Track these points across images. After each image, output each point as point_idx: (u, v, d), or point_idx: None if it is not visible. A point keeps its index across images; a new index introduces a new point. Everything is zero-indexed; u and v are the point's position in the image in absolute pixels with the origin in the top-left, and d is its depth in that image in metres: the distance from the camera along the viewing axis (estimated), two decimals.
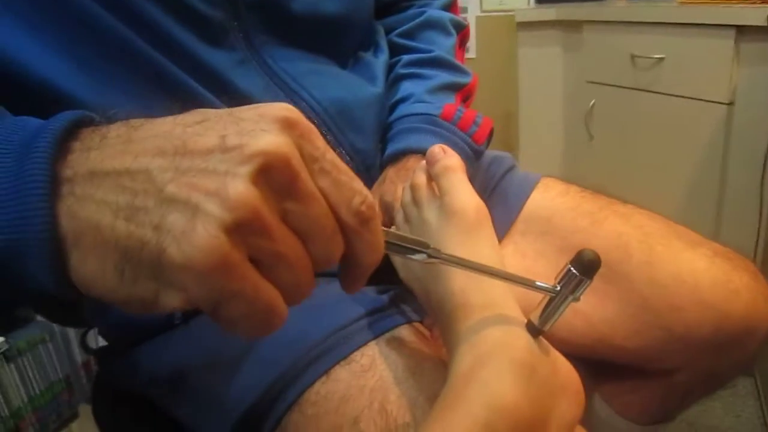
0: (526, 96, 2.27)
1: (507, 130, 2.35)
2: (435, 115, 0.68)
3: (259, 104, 0.31)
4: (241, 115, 0.30)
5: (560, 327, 0.65)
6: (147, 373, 0.59)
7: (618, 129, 1.95)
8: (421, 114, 0.69)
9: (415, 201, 0.56)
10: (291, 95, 0.62)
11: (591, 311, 0.65)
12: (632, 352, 0.65)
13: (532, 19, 2.18)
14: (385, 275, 0.58)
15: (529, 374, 0.42)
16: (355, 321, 0.53)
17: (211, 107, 0.31)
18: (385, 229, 0.36)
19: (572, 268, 0.41)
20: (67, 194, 0.29)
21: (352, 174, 0.32)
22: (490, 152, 0.80)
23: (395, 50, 0.78)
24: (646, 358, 0.66)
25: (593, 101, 2.00)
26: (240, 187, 0.27)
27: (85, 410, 1.46)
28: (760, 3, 1.48)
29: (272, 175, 0.28)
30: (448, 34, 0.79)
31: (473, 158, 0.70)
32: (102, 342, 0.69)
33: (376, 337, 0.52)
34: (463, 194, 0.51)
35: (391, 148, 0.68)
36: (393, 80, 0.75)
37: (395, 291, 0.59)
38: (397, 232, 0.38)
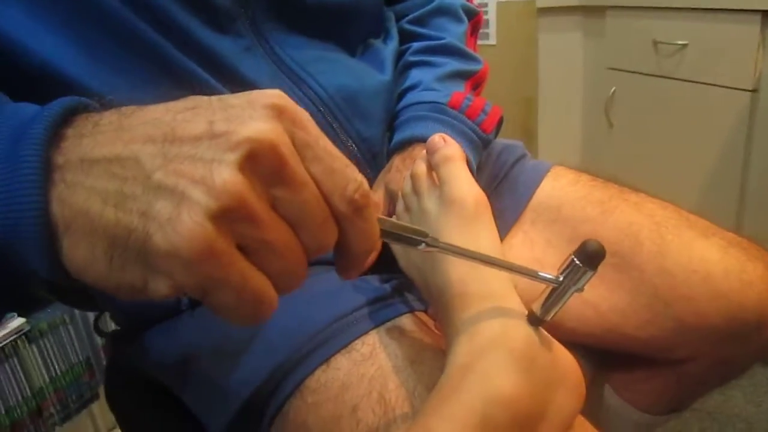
0: (546, 82, 2.24)
1: (526, 116, 2.33)
2: (443, 104, 0.68)
3: (251, 91, 0.31)
4: (231, 101, 0.30)
5: (570, 317, 0.66)
6: (156, 358, 0.60)
7: (638, 117, 1.92)
8: (429, 102, 0.68)
9: (415, 190, 0.56)
10: (298, 83, 0.62)
11: (601, 301, 0.65)
12: (643, 342, 0.65)
13: (553, 4, 2.15)
14: (389, 264, 0.58)
15: (527, 366, 0.42)
16: (357, 309, 0.53)
17: (216, 94, 0.31)
18: (382, 217, 0.36)
19: (576, 259, 0.40)
20: (59, 181, 0.29)
21: (346, 161, 0.32)
22: (501, 140, 0.79)
23: (405, 37, 0.77)
24: (657, 348, 0.66)
25: (614, 88, 1.97)
26: (226, 175, 0.27)
27: None
28: None
29: (260, 162, 0.28)
30: (459, 21, 0.78)
31: (480, 147, 0.69)
32: (115, 327, 0.70)
33: (377, 326, 0.53)
34: (463, 184, 0.51)
35: (397, 137, 0.68)
36: (402, 68, 0.75)
37: (399, 280, 0.59)
38: (394, 221, 0.38)
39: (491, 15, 2.27)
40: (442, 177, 0.52)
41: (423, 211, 0.53)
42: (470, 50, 0.76)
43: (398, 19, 0.79)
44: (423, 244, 0.38)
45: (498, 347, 0.42)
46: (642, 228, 0.64)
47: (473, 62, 0.75)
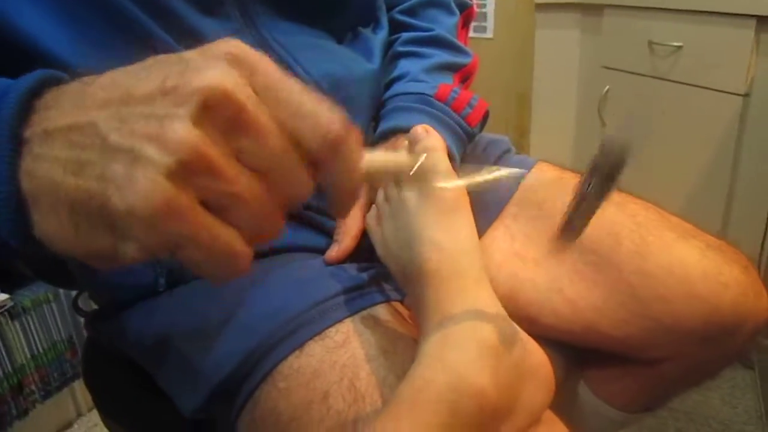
0: (541, 78, 2.24)
1: (520, 111, 2.33)
2: (429, 95, 0.68)
3: (207, 44, 0.30)
4: (186, 55, 0.30)
5: (547, 313, 0.66)
6: (132, 338, 0.60)
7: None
8: (416, 93, 0.68)
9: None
10: (284, 68, 0.62)
11: (578, 298, 0.65)
12: (619, 341, 0.65)
13: (551, 0, 2.14)
14: (368, 253, 0.58)
15: (496, 358, 0.42)
16: (333, 297, 0.54)
17: None
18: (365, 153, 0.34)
19: (600, 161, 0.36)
20: (26, 155, 0.29)
21: (314, 98, 0.30)
22: (487, 135, 0.79)
23: (396, 27, 0.77)
24: (633, 347, 0.66)
25: (608, 87, 1.97)
26: (179, 129, 0.26)
27: None
28: None
29: (215, 112, 0.27)
30: (450, 13, 0.78)
31: (465, 139, 0.69)
32: (95, 306, 0.70)
33: (352, 314, 0.53)
34: (442, 175, 0.51)
35: (382, 126, 0.67)
36: (391, 58, 0.75)
37: (377, 269, 0.59)
38: (377, 155, 0.36)
39: (489, 8, 2.27)
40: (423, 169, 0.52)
41: (402, 201, 0.53)
42: (460, 43, 0.76)
43: (389, 9, 0.78)
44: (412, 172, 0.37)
45: (468, 339, 0.42)
46: (623, 228, 0.65)
47: (462, 55, 0.75)
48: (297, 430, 0.47)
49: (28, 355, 1.36)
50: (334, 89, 0.64)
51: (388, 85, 0.72)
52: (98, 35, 0.53)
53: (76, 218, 0.28)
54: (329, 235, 0.62)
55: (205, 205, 0.28)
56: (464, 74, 0.75)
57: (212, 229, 0.28)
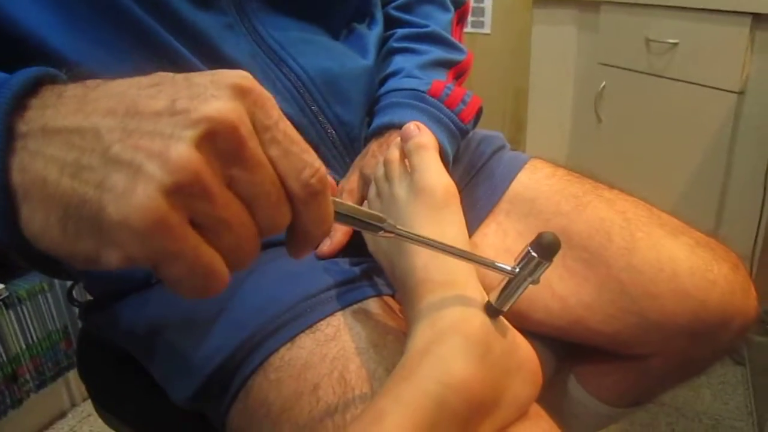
0: (537, 74, 2.24)
1: (516, 107, 2.33)
2: (423, 91, 0.68)
3: (218, 70, 0.32)
4: (196, 79, 0.31)
5: (537, 309, 0.67)
6: (125, 329, 0.61)
7: (627, 113, 1.93)
8: (409, 89, 0.69)
9: (387, 176, 0.56)
10: (278, 63, 0.62)
11: (568, 294, 0.66)
12: (608, 337, 0.66)
13: None
14: (359, 248, 0.59)
15: (483, 352, 0.43)
16: (324, 290, 0.54)
17: (196, 70, 0.32)
18: (339, 201, 0.36)
19: (531, 250, 0.41)
20: (21, 149, 0.29)
21: (304, 145, 0.33)
22: (481, 131, 0.79)
23: (391, 23, 0.77)
24: (622, 343, 0.67)
25: (604, 83, 1.98)
26: (182, 150, 0.27)
27: None
28: None
29: (218, 141, 0.29)
30: (446, 9, 0.78)
31: (458, 136, 0.70)
32: (89, 297, 0.70)
33: (343, 307, 0.53)
34: (433, 172, 0.52)
35: (375, 122, 0.68)
36: (386, 54, 0.75)
37: (368, 264, 0.59)
38: (352, 205, 0.38)
39: (487, 4, 2.27)
40: (414, 165, 0.53)
41: (393, 197, 0.53)
42: (455, 39, 0.76)
43: (384, 5, 0.79)
44: (381, 231, 0.39)
45: (455, 333, 0.43)
46: (613, 224, 0.65)
47: (457, 52, 0.76)
48: (287, 421, 0.48)
49: (23, 345, 1.36)
50: (328, 85, 0.64)
51: (383, 81, 0.72)
52: (92, 27, 0.53)
53: (65, 219, 0.28)
54: None
55: (193, 224, 0.29)
56: (458, 71, 0.75)
57: (196, 249, 0.29)
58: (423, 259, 0.48)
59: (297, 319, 0.52)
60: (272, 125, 0.31)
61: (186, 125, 0.28)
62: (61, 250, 0.29)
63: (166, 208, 0.27)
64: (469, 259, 0.43)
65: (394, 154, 0.56)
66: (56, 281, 1.41)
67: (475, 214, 0.71)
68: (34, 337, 1.38)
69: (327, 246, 0.60)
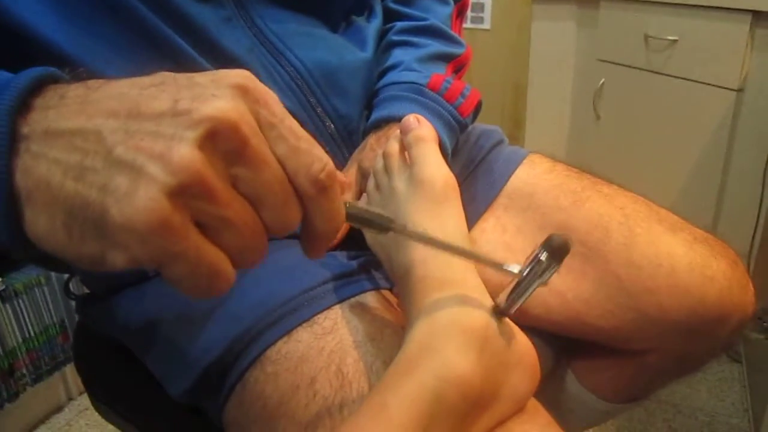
0: (536, 70, 2.24)
1: (515, 102, 2.33)
2: (422, 85, 0.68)
3: (219, 70, 0.32)
4: (198, 80, 0.31)
5: (535, 304, 0.67)
6: (122, 322, 0.61)
7: (625, 110, 1.93)
8: (408, 83, 0.68)
9: (387, 169, 0.56)
10: (276, 56, 0.62)
11: (567, 290, 0.66)
12: (605, 332, 0.66)
13: None
14: (357, 241, 0.59)
15: (481, 347, 0.43)
16: (322, 284, 0.54)
17: (195, 64, 0.32)
18: (350, 201, 0.36)
19: (541, 253, 0.41)
20: (24, 151, 0.29)
21: (311, 141, 0.32)
22: (480, 125, 0.79)
23: (390, 16, 0.77)
24: (619, 339, 0.67)
25: (603, 80, 1.98)
26: (184, 151, 0.27)
27: None
28: None
29: (220, 141, 0.29)
30: (445, 3, 0.78)
31: (457, 130, 0.69)
32: (86, 290, 0.70)
33: (341, 301, 0.53)
34: (432, 165, 0.51)
35: (374, 115, 0.68)
36: (385, 47, 0.75)
37: (366, 257, 0.59)
38: (362, 206, 0.38)
39: None
40: (413, 157, 0.53)
41: (392, 190, 0.53)
42: (454, 33, 0.76)
43: None
44: (390, 231, 0.38)
45: (454, 328, 0.43)
46: (612, 220, 0.65)
47: (456, 45, 0.75)
48: (284, 414, 0.48)
49: (20, 339, 1.36)
50: (326, 78, 0.64)
51: (382, 75, 0.72)
52: (92, 23, 0.53)
53: (70, 222, 0.29)
54: None
55: (198, 224, 0.29)
56: (457, 64, 0.75)
57: (200, 249, 0.29)
58: (422, 255, 0.48)
59: (294, 312, 0.51)
60: (277, 122, 0.31)
61: (188, 126, 0.28)
62: (66, 252, 0.29)
63: (169, 210, 0.27)
64: (478, 260, 0.43)
65: (394, 146, 0.56)
66: (53, 274, 1.41)
67: (473, 209, 0.70)
68: (31, 331, 1.38)
69: None
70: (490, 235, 0.70)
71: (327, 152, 0.33)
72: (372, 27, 0.73)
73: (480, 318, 0.44)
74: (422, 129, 0.53)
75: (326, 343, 0.49)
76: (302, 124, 0.33)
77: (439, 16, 0.76)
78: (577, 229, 0.65)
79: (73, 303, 1.40)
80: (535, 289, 0.43)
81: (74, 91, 0.31)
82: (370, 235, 0.55)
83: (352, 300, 0.54)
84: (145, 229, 0.27)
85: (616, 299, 0.63)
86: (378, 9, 0.76)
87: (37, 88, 0.31)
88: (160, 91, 0.30)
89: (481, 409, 0.42)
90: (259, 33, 0.62)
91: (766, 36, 1.47)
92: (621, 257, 0.63)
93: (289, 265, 0.56)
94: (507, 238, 0.70)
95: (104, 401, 0.72)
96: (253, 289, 0.54)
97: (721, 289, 0.61)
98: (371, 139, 0.66)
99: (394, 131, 0.64)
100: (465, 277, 0.47)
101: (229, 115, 0.29)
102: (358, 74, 0.68)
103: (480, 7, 2.25)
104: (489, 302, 0.47)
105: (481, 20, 2.27)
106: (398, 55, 0.72)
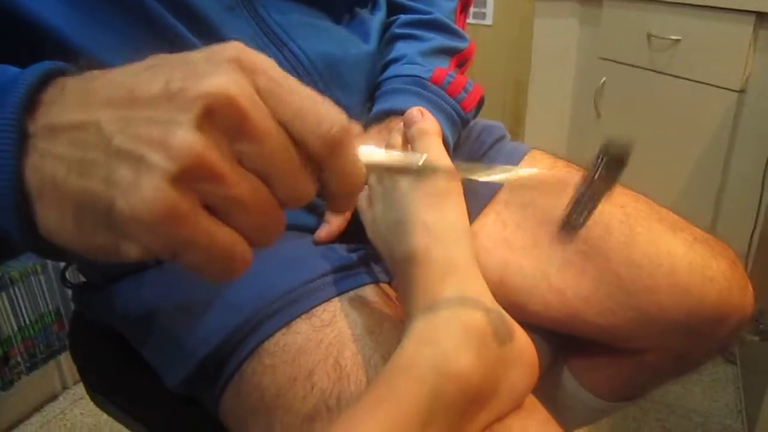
0: (538, 67, 2.24)
1: (516, 99, 2.33)
2: (424, 78, 0.68)
3: (212, 46, 0.31)
4: (191, 58, 0.30)
5: (534, 301, 0.67)
6: (119, 311, 0.60)
7: (626, 109, 1.93)
8: (411, 76, 0.68)
9: None
10: (279, 46, 0.62)
11: (566, 287, 0.66)
12: (604, 330, 0.66)
13: None
14: (357, 234, 0.58)
15: (481, 343, 0.43)
16: (321, 276, 0.54)
17: None
18: (369, 149, 0.34)
19: (601, 161, 0.38)
20: (32, 150, 0.29)
21: (317, 97, 0.31)
22: (482, 121, 0.79)
23: (394, 9, 0.77)
24: (618, 337, 0.67)
25: (604, 78, 1.97)
26: (182, 135, 0.27)
27: None
28: None
29: (218, 117, 0.28)
30: None
31: (459, 124, 0.69)
32: (83, 279, 0.70)
33: (340, 293, 0.53)
34: (436, 158, 0.51)
35: (376, 108, 0.67)
36: (388, 40, 0.74)
37: (366, 250, 0.59)
38: (378, 153, 0.36)
39: None
40: (416, 150, 0.52)
41: (394, 183, 0.53)
42: (458, 27, 0.76)
43: None
44: (420, 170, 0.37)
45: (454, 323, 0.43)
46: (612, 218, 0.65)
47: (460, 39, 0.75)
48: (281, 406, 0.47)
49: (15, 327, 1.35)
50: (329, 69, 0.64)
51: (385, 67, 0.72)
52: (98, 12, 0.52)
53: (80, 217, 0.28)
54: (319, 214, 0.62)
55: (209, 207, 0.28)
56: (461, 59, 0.74)
57: (211, 233, 0.28)
58: (423, 245, 0.48)
59: (293, 304, 0.51)
60: (276, 87, 0.30)
61: (183, 108, 0.27)
62: (80, 246, 0.29)
63: (175, 197, 0.27)
64: (518, 178, 0.41)
65: (397, 139, 0.56)
66: (49, 263, 1.41)
67: (474, 204, 0.70)
68: (27, 319, 1.38)
69: (324, 231, 0.60)
70: (491, 230, 0.70)
71: None
72: (376, 19, 0.73)
73: (481, 314, 0.44)
74: (426, 122, 0.53)
75: (325, 335, 0.49)
76: None
77: (444, 10, 0.75)
78: None
79: (70, 291, 1.40)
80: (600, 200, 0.40)
81: (74, 83, 0.31)
82: (371, 229, 0.55)
83: (351, 293, 0.54)
84: (153, 219, 0.26)
85: (615, 297, 0.63)
86: (382, 1, 0.76)
87: (44, 83, 0.31)
88: (153, 74, 0.29)
89: (480, 405, 0.42)
90: (262, 22, 0.61)
91: None
92: (621, 255, 0.63)
93: (289, 257, 0.56)
94: (507, 234, 0.70)
95: (99, 390, 0.71)
96: (252, 281, 0.53)
97: (720, 290, 0.61)
98: (372, 132, 0.66)
99: (395, 124, 0.64)
100: (466, 270, 0.47)
101: (223, 89, 0.27)
102: (361, 66, 0.68)
103: (482, 3, 2.24)
104: (489, 297, 0.47)
105: (483, 16, 2.27)
106: (401, 48, 0.72)
